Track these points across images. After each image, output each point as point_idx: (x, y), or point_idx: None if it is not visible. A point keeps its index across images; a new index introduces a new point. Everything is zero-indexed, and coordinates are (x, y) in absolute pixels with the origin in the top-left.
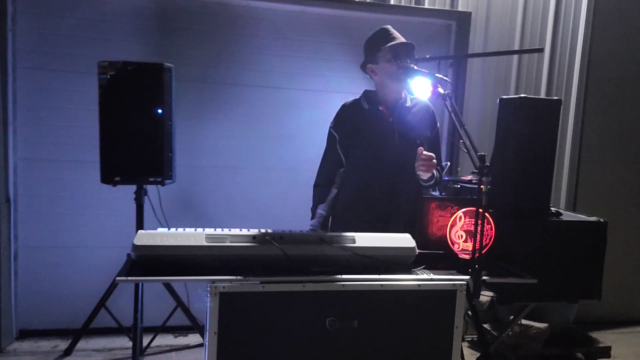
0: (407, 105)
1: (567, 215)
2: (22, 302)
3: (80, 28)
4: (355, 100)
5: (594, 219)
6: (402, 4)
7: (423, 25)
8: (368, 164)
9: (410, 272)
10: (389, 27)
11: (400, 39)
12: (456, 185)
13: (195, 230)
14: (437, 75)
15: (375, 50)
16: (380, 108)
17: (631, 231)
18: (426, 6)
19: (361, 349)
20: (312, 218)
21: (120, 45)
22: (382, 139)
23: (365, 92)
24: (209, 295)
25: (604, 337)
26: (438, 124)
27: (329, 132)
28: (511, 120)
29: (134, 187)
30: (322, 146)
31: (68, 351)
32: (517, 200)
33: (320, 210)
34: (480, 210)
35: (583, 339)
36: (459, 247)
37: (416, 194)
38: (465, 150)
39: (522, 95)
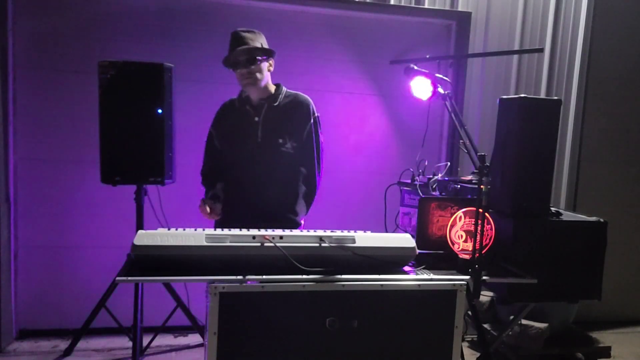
0: (276, 104)
1: (567, 215)
2: (22, 302)
3: (80, 28)
4: (233, 99)
5: (594, 219)
6: (402, 4)
7: (423, 25)
8: (236, 162)
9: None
10: (238, 30)
11: (239, 44)
12: (456, 185)
13: (195, 230)
14: (437, 75)
15: (225, 61)
16: (247, 107)
17: (631, 231)
18: (426, 6)
19: (361, 349)
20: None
21: (120, 45)
22: (245, 137)
23: (241, 91)
24: (208, 295)
25: (604, 337)
26: (313, 119)
27: (209, 131)
28: (511, 120)
29: (134, 187)
30: (322, 146)
31: (68, 351)
32: (517, 200)
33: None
34: (480, 210)
35: (583, 339)
36: (459, 247)
37: (281, 192)
38: (465, 150)
39: (522, 95)
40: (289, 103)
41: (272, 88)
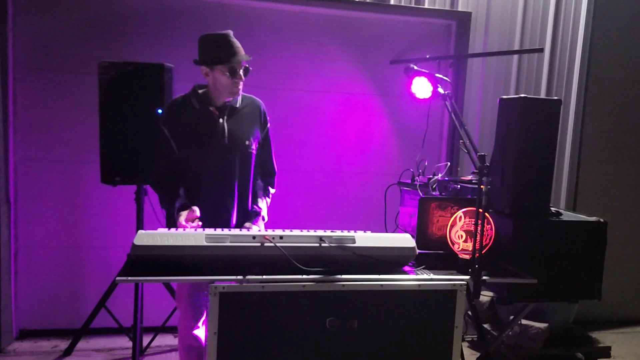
0: (237, 105)
1: (567, 215)
2: (22, 302)
3: (80, 28)
4: (186, 96)
5: (594, 219)
6: (402, 4)
7: (423, 25)
8: (197, 163)
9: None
10: (230, 35)
11: (240, 52)
12: (456, 185)
13: (195, 230)
14: (437, 75)
15: (214, 59)
16: (211, 109)
17: (631, 231)
18: (426, 6)
19: (361, 349)
20: (169, 210)
21: (120, 45)
22: (211, 139)
23: (195, 88)
24: (208, 295)
25: (604, 337)
26: (269, 124)
27: (159, 128)
28: (511, 120)
29: (134, 187)
30: (321, 146)
31: (68, 351)
32: (517, 200)
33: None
34: (480, 210)
35: (583, 339)
36: (459, 247)
37: (244, 194)
38: (465, 150)
39: (522, 95)
40: (248, 106)
41: None
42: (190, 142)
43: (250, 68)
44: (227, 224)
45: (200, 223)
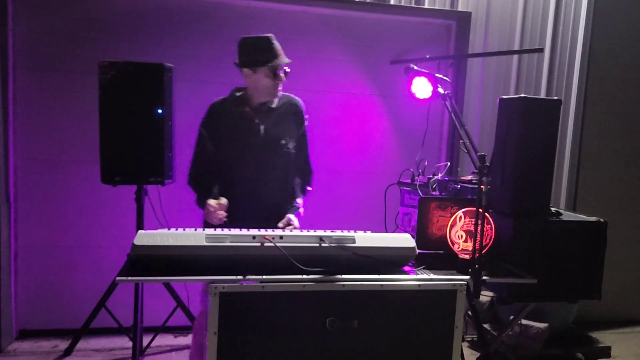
0: (274, 106)
1: (567, 215)
2: (22, 302)
3: (80, 28)
4: (224, 99)
5: (594, 219)
6: (402, 4)
7: (423, 25)
8: (233, 163)
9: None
10: (272, 38)
11: (281, 55)
12: (456, 185)
13: (195, 230)
14: (437, 75)
15: (257, 62)
16: (247, 109)
17: (631, 231)
18: (426, 6)
19: (361, 349)
20: (203, 208)
21: (120, 45)
22: (247, 139)
23: (233, 91)
24: (208, 295)
25: (604, 337)
26: (306, 121)
27: (199, 131)
28: (511, 120)
29: (134, 187)
30: (321, 146)
31: (68, 351)
32: (517, 200)
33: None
34: (480, 210)
35: (583, 339)
36: (459, 247)
37: (280, 192)
38: (465, 150)
39: (522, 95)
40: (285, 105)
41: None
42: (226, 142)
43: (289, 70)
44: (262, 221)
45: (225, 214)
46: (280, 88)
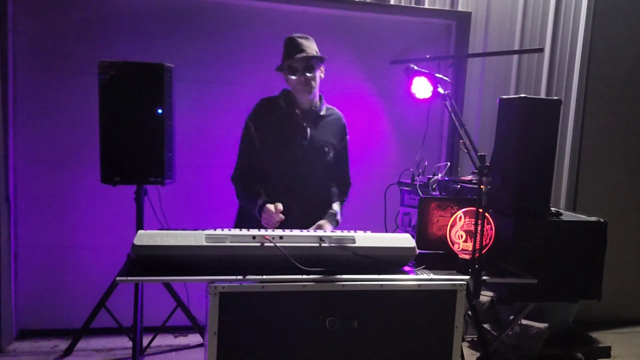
0: (321, 114)
1: (567, 215)
2: (22, 302)
3: (80, 28)
4: (274, 97)
5: (594, 219)
6: (402, 4)
7: (423, 25)
8: (277, 161)
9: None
10: (295, 37)
11: (300, 50)
12: (456, 185)
13: (195, 230)
14: (437, 75)
15: (282, 62)
16: (297, 111)
17: (631, 231)
18: (426, 6)
19: (361, 349)
20: (248, 208)
21: (120, 45)
22: (293, 139)
23: (284, 92)
24: (208, 295)
25: (604, 337)
26: (348, 137)
27: (246, 123)
28: (511, 120)
29: (134, 187)
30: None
31: (68, 351)
32: (517, 200)
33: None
34: (480, 210)
35: (583, 339)
36: (459, 247)
37: (317, 196)
38: (465, 150)
39: (522, 95)
40: (331, 116)
41: (317, 97)
42: (273, 139)
43: (315, 65)
44: (297, 222)
45: (282, 217)
46: (306, 85)
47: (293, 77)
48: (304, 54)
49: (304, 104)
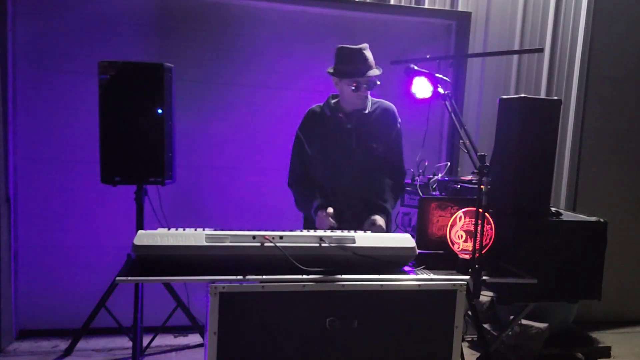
0: (366, 112)
1: (567, 215)
2: (22, 302)
3: (80, 28)
4: (321, 105)
5: (594, 219)
6: (402, 4)
7: (423, 25)
8: (326, 167)
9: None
10: (363, 50)
11: (367, 68)
12: (456, 185)
13: (195, 230)
14: (437, 75)
15: (342, 72)
16: (340, 115)
17: (631, 231)
18: (426, 6)
19: (361, 349)
20: (305, 212)
21: (120, 45)
22: (339, 144)
23: (329, 98)
24: (208, 295)
25: (604, 337)
26: (399, 124)
27: (297, 134)
28: (511, 120)
29: (134, 187)
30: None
31: (68, 351)
32: (517, 200)
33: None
34: (480, 210)
35: (583, 339)
36: (459, 247)
37: (368, 194)
38: (465, 150)
39: (522, 95)
40: (377, 110)
41: None
42: (321, 146)
43: (379, 82)
44: (352, 222)
45: (333, 222)
46: (363, 100)
47: (355, 93)
48: (375, 74)
49: (348, 107)
